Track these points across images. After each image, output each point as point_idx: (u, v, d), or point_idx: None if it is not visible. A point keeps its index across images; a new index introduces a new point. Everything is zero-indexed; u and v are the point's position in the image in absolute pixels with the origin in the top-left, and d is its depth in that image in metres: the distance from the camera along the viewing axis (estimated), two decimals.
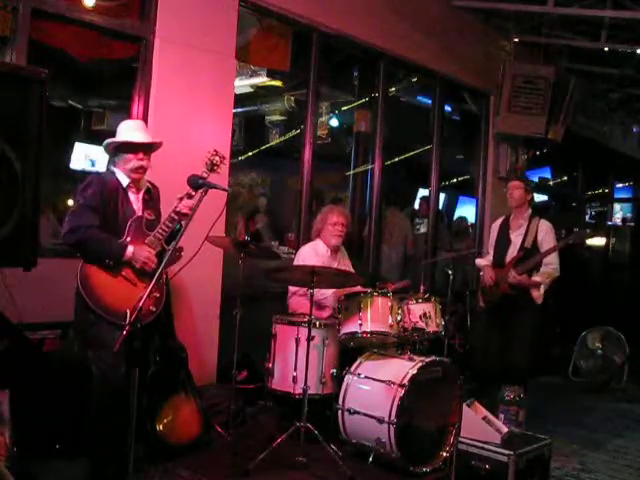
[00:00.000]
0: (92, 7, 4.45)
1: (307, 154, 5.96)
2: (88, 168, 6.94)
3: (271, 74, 7.14)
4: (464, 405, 3.87)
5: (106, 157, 3.87)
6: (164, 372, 4.02)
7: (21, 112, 2.95)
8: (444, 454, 4.14)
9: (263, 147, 8.87)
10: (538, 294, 5.14)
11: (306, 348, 4.11)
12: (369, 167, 6.96)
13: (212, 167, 3.64)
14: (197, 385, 4.29)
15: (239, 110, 7.67)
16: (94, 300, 3.45)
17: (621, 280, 10.68)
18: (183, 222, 3.53)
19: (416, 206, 8.89)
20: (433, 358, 4.26)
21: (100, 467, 3.50)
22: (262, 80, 7.26)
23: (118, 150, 3.70)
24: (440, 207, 8.18)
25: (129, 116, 4.71)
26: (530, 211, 5.36)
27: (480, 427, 3.71)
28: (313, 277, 4.08)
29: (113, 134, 3.77)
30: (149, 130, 4.06)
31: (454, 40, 7.29)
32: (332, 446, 4.03)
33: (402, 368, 4.11)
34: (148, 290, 2.99)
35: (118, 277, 3.55)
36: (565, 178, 12.24)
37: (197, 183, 3.38)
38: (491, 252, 5.59)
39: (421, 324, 4.52)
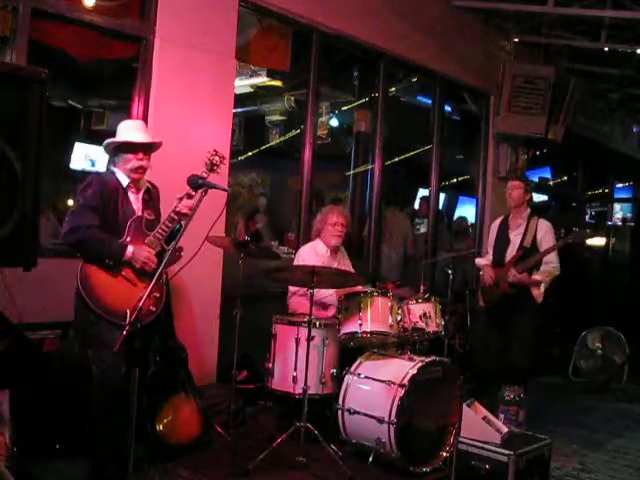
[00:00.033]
0: (92, 7, 4.45)
1: (307, 154, 5.96)
2: (88, 168, 6.94)
3: (271, 74, 7.14)
4: (464, 405, 3.87)
5: (106, 157, 3.87)
6: (164, 372, 4.02)
7: (21, 112, 2.95)
8: (444, 454, 4.14)
9: (263, 147, 8.87)
10: (538, 293, 5.15)
11: (306, 348, 4.11)
12: (369, 167, 6.96)
13: (212, 167, 3.64)
14: (197, 385, 4.29)
15: (239, 110, 7.67)
16: (94, 300, 3.45)
17: (621, 280, 10.69)
18: (183, 222, 3.53)
19: (416, 206, 8.89)
20: (433, 358, 4.26)
21: (100, 467, 3.50)
22: (262, 80, 7.27)
23: (118, 150, 3.70)
24: (440, 207, 8.18)
25: (129, 116, 4.71)
26: (529, 211, 5.37)
27: (480, 427, 3.71)
28: (313, 277, 4.08)
29: (113, 134, 3.77)
30: (149, 130, 4.06)
31: (454, 40, 7.29)
32: (332, 446, 4.03)
33: (402, 368, 4.11)
34: (148, 290, 2.99)
35: (118, 277, 3.55)
36: (565, 178, 12.24)
37: (197, 183, 3.38)
38: (490, 252, 5.59)
39: (421, 324, 4.52)
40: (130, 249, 3.56)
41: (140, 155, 3.67)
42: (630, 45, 7.54)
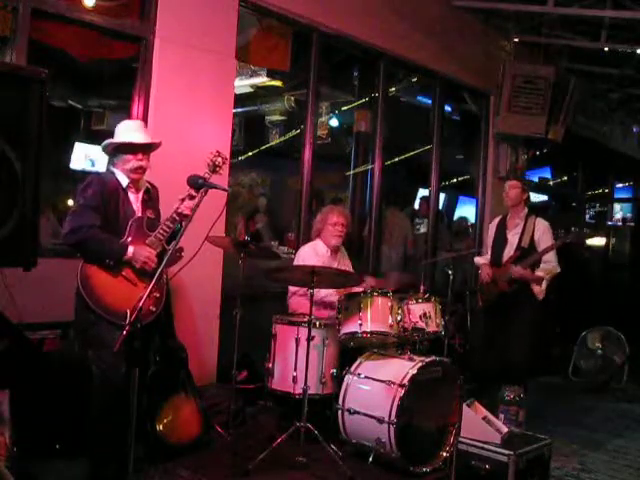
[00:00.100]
0: (92, 7, 4.45)
1: (307, 154, 5.96)
2: (88, 168, 6.94)
3: (271, 74, 7.14)
4: (464, 405, 3.87)
5: (106, 157, 3.87)
6: (164, 372, 4.02)
7: (21, 112, 2.94)
8: (444, 454, 4.14)
9: (263, 147, 8.87)
10: (540, 289, 5.16)
11: (306, 348, 4.11)
12: (369, 167, 6.96)
13: (214, 168, 3.63)
14: (197, 385, 4.29)
15: (239, 110, 7.67)
16: (94, 300, 3.45)
17: (621, 280, 10.69)
18: (183, 222, 3.53)
19: (416, 206, 8.89)
20: (433, 358, 4.26)
21: (100, 467, 3.50)
22: (262, 80, 7.27)
23: (117, 151, 3.70)
24: (440, 207, 8.18)
25: (129, 116, 4.71)
26: (526, 210, 5.39)
27: (480, 427, 3.71)
28: (313, 277, 4.08)
29: (113, 134, 3.76)
30: (149, 130, 4.06)
31: (454, 40, 7.29)
32: (332, 446, 4.03)
33: (402, 368, 4.11)
34: (148, 290, 2.99)
35: (118, 277, 3.55)
36: (565, 178, 12.24)
37: (197, 183, 3.38)
38: (489, 252, 5.60)
39: (421, 324, 4.52)
40: (131, 249, 3.56)
41: (139, 155, 3.67)
42: (630, 45, 7.54)
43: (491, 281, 5.33)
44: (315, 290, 4.16)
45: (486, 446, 3.60)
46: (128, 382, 3.01)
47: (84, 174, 6.16)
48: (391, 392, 4.01)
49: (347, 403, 4.19)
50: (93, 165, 6.99)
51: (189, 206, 3.56)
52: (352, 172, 7.40)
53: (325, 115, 8.09)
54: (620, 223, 12.57)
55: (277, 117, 8.48)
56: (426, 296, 4.70)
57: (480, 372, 5.58)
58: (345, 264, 5.10)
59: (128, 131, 3.71)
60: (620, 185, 13.44)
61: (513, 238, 5.32)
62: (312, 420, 4.07)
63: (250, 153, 8.76)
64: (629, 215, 12.79)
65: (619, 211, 13.04)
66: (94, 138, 6.78)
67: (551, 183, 11.79)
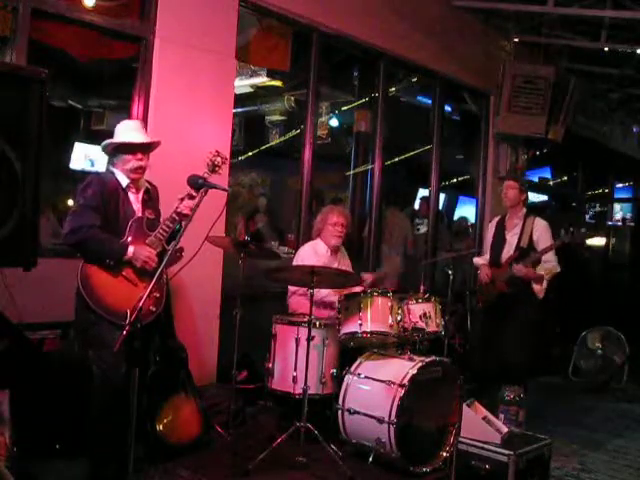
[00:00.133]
0: (92, 7, 4.46)
1: (307, 154, 5.96)
2: (88, 168, 6.95)
3: (271, 74, 7.14)
4: (464, 405, 3.87)
5: (106, 157, 3.87)
6: (164, 372, 4.02)
7: (21, 112, 2.95)
8: (444, 454, 4.14)
9: (263, 147, 8.87)
10: (540, 288, 5.15)
11: (306, 348, 4.11)
12: (369, 167, 6.96)
13: (214, 168, 3.63)
14: (197, 385, 4.29)
15: (239, 110, 7.67)
16: (95, 300, 3.45)
17: (621, 280, 10.68)
18: (183, 222, 3.53)
19: (416, 206, 8.89)
20: (433, 358, 4.26)
21: (100, 467, 3.50)
22: (262, 80, 7.27)
23: (116, 151, 3.70)
24: (440, 207, 8.18)
25: (129, 116, 4.71)
26: (525, 210, 5.39)
27: (480, 427, 3.71)
28: (313, 277, 4.08)
29: (113, 134, 3.76)
30: (149, 130, 4.06)
31: (454, 40, 7.29)
32: (332, 446, 4.03)
33: (402, 368, 4.11)
34: (148, 290, 2.99)
35: (119, 277, 3.55)
36: (565, 178, 12.24)
37: (197, 183, 3.38)
38: (488, 252, 5.60)
39: (421, 324, 4.52)
40: (131, 249, 3.55)
41: (139, 155, 3.67)
42: (630, 45, 7.54)
43: (490, 281, 5.33)
44: (315, 290, 4.16)
45: (486, 446, 3.60)
46: (128, 382, 3.01)
47: (84, 174, 6.15)
48: (391, 392, 4.01)
49: (347, 403, 4.19)
50: (93, 165, 6.99)
51: (188, 206, 3.57)
52: (352, 172, 7.40)
53: (325, 115, 8.09)
54: (620, 223, 12.57)
55: (277, 117, 8.48)
56: (426, 296, 4.70)
57: (480, 372, 5.58)
58: (345, 264, 5.10)
59: (127, 131, 3.71)
60: (620, 185, 13.44)
61: (512, 238, 5.33)
62: (312, 420, 4.06)
63: (250, 153, 8.76)
64: (629, 215, 12.79)
65: (619, 211, 13.04)
66: (94, 138, 6.78)
67: (551, 183, 11.79)
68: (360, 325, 4.29)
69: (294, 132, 8.17)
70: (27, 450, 3.27)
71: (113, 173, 3.71)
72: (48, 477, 3.52)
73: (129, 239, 3.60)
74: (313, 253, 4.93)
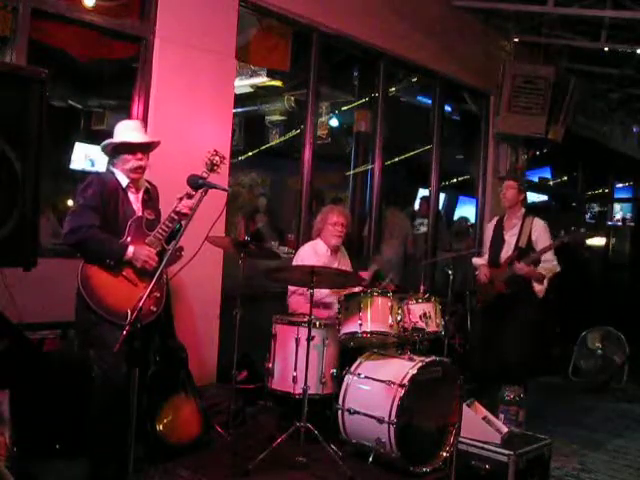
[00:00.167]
0: (92, 7, 4.46)
1: (307, 154, 5.96)
2: (88, 168, 6.95)
3: (271, 74, 7.14)
4: (464, 405, 3.87)
5: (106, 157, 3.87)
6: (164, 372, 4.02)
7: (21, 112, 2.95)
8: (444, 454, 4.14)
9: (263, 147, 8.87)
10: (541, 288, 5.15)
11: (306, 348, 4.11)
12: (369, 167, 6.96)
13: (212, 167, 3.63)
14: (197, 385, 4.29)
15: (239, 110, 7.67)
16: (95, 301, 3.45)
17: (621, 280, 10.68)
18: (183, 222, 3.53)
19: (416, 206, 8.89)
20: (433, 358, 4.26)
21: (100, 467, 3.50)
22: (262, 80, 7.27)
23: (116, 151, 3.70)
24: (440, 207, 8.18)
25: (129, 116, 4.71)
26: (523, 210, 5.39)
27: (480, 427, 3.71)
28: (313, 277, 4.08)
29: (113, 134, 3.76)
30: (149, 130, 4.06)
31: (454, 40, 7.29)
32: (332, 446, 4.03)
33: (402, 368, 4.11)
34: (148, 290, 2.99)
35: (119, 277, 3.55)
36: (565, 178, 12.25)
37: (197, 183, 3.38)
38: (487, 252, 5.61)
39: (421, 324, 4.52)
40: (131, 249, 3.55)
41: (138, 155, 3.67)
42: (630, 45, 7.54)
43: (488, 282, 5.33)
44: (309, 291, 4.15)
45: (486, 446, 3.59)
46: (128, 382, 3.01)
47: (84, 174, 6.16)
48: (391, 392, 4.01)
49: (347, 403, 4.19)
50: (93, 165, 6.99)
51: (187, 205, 3.57)
52: (352, 172, 7.41)
53: (325, 115, 8.10)
54: (620, 223, 12.58)
55: (277, 117, 8.48)
56: (426, 296, 4.70)
57: (480, 372, 5.58)
58: (345, 264, 5.10)
59: (126, 131, 3.71)
60: (620, 185, 13.44)
61: (511, 238, 5.33)
62: (312, 420, 4.06)
63: (250, 153, 8.76)
64: (629, 215, 12.79)
65: (619, 211, 13.04)
66: (94, 138, 6.78)
67: (551, 183, 11.80)
68: (360, 325, 4.29)
69: (294, 132, 8.17)
70: (27, 450, 3.27)
71: (113, 173, 3.71)
72: (48, 477, 3.52)
73: (128, 239, 3.60)
74: (313, 253, 4.93)
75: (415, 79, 7.71)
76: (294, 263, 4.92)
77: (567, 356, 7.40)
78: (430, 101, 7.69)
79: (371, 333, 4.32)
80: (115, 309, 3.42)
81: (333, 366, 4.46)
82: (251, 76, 7.17)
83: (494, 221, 5.64)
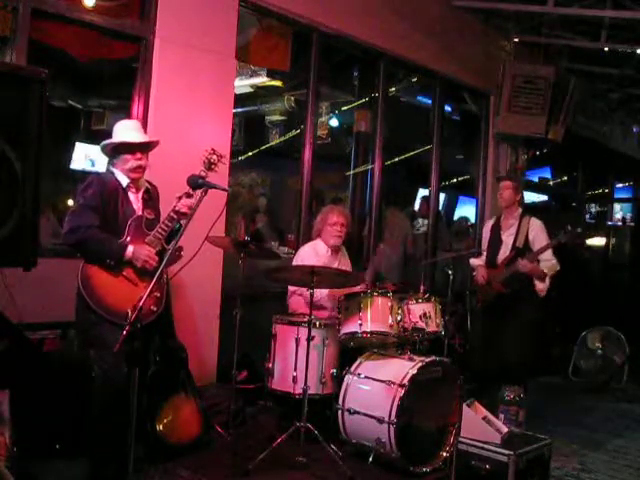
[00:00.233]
0: (92, 7, 4.46)
1: (307, 154, 5.96)
2: (88, 168, 6.95)
3: (271, 74, 7.14)
4: (464, 405, 3.87)
5: (105, 157, 3.87)
6: (164, 372, 4.02)
7: (21, 112, 2.95)
8: (444, 454, 4.14)
9: (263, 147, 8.87)
10: (542, 287, 5.15)
11: (306, 348, 4.11)
12: (369, 167, 6.96)
13: (210, 166, 3.64)
14: (197, 385, 4.29)
15: (239, 110, 7.67)
16: (95, 301, 3.45)
17: (621, 280, 10.68)
18: (183, 221, 3.53)
19: (416, 206, 8.89)
20: (433, 358, 4.26)
21: (100, 467, 3.50)
22: (262, 80, 7.27)
23: (115, 151, 3.70)
24: (440, 207, 8.18)
25: (129, 116, 4.71)
26: (520, 210, 5.39)
27: (480, 427, 3.71)
28: (313, 277, 4.08)
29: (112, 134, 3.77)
30: (149, 130, 4.06)
31: (454, 40, 7.29)
32: (332, 446, 4.03)
33: (402, 368, 4.11)
34: (149, 289, 2.98)
35: (119, 277, 3.55)
36: (565, 178, 12.25)
37: (197, 183, 3.38)
38: (484, 253, 5.61)
39: (421, 324, 4.52)
40: (130, 249, 3.56)
41: (138, 155, 3.67)
42: (630, 45, 7.54)
43: (486, 283, 5.33)
44: (309, 291, 4.15)
45: (486, 446, 3.59)
46: (128, 382, 3.01)
47: (84, 174, 6.16)
48: (391, 392, 4.01)
49: (347, 403, 4.19)
50: (93, 165, 7.00)
51: (186, 204, 3.57)
52: (352, 172, 7.41)
53: (325, 115, 8.10)
54: (620, 223, 12.58)
55: (277, 117, 8.48)
56: (426, 296, 4.70)
57: (480, 372, 5.58)
58: (345, 264, 5.10)
59: (126, 131, 3.72)
60: (620, 185, 13.45)
61: (508, 239, 5.32)
62: (312, 420, 4.06)
63: (250, 153, 8.76)
64: (629, 215, 12.79)
65: (619, 211, 13.04)
66: (94, 138, 6.78)
67: (551, 183, 11.80)
68: (360, 325, 4.29)
69: (294, 132, 8.17)
70: (27, 450, 3.27)
71: (113, 173, 3.71)
72: (48, 477, 3.52)
73: (128, 239, 3.60)
74: (313, 253, 4.93)
75: (415, 79, 7.71)
76: (294, 263, 4.91)
77: (567, 356, 7.40)
78: (430, 101, 7.69)
79: (371, 333, 4.32)
80: (115, 309, 3.42)
81: (333, 366, 4.46)
82: (251, 76, 7.17)
83: (491, 221, 5.64)
